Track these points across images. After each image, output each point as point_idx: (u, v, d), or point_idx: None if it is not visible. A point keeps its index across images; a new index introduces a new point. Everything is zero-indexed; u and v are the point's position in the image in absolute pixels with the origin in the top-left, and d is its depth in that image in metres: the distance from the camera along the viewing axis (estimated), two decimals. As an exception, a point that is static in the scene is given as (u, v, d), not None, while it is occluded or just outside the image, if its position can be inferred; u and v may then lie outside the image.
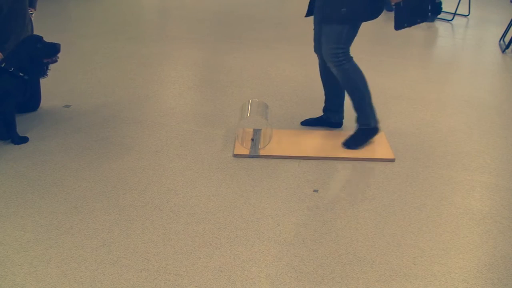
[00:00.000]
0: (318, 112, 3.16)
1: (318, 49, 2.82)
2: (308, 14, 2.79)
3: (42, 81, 3.27)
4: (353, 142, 2.81)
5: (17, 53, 2.74)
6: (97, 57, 4.30)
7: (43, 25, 4.97)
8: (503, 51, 4.86)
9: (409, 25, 2.58)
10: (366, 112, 2.76)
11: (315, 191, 2.46)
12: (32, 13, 3.13)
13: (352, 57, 2.69)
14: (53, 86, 3.59)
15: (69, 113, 3.22)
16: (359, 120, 2.81)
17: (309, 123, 3.12)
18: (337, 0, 2.52)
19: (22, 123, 3.04)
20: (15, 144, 2.81)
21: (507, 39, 5.00)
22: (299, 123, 3.14)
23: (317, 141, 2.91)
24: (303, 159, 2.73)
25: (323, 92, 3.06)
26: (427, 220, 2.26)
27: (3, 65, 2.71)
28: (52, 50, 2.80)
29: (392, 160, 2.74)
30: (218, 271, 1.92)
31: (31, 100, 3.18)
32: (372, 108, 2.77)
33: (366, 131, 2.81)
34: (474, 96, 3.70)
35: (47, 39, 2.82)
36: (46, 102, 3.32)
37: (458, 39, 5.45)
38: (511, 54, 4.82)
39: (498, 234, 2.18)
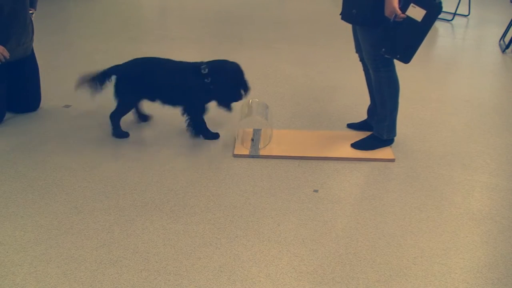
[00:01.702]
0: (318, 111, 3.16)
1: (358, 49, 2.77)
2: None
3: (42, 81, 3.28)
4: (361, 145, 2.81)
5: (231, 80, 2.80)
6: (97, 57, 4.29)
7: (43, 25, 4.97)
8: (503, 51, 4.86)
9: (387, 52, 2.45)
10: (383, 123, 2.75)
11: (315, 191, 2.46)
12: (32, 13, 3.13)
13: (393, 67, 2.62)
14: (53, 86, 3.59)
15: (69, 113, 3.22)
16: (374, 126, 2.82)
17: (354, 126, 3.08)
18: (367, 2, 2.41)
19: (22, 123, 3.05)
20: (206, 139, 2.91)
21: (507, 39, 5.00)
22: (345, 125, 3.12)
23: (317, 141, 2.90)
24: (303, 159, 2.73)
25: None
26: (427, 220, 2.26)
27: (206, 71, 2.74)
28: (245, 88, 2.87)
29: (392, 160, 2.74)
30: (218, 271, 1.92)
31: (33, 101, 3.19)
32: (391, 123, 2.75)
33: (376, 140, 2.81)
34: (474, 96, 3.70)
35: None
36: (46, 102, 3.31)
37: (458, 39, 5.45)
38: (511, 54, 4.82)
39: (498, 234, 2.18)
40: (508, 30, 5.13)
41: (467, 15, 6.20)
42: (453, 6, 5.93)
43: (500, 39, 5.19)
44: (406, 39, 2.39)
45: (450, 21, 5.94)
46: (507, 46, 4.89)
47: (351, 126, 3.08)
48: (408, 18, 2.31)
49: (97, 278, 1.87)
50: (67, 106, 3.32)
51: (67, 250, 2.02)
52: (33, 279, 1.86)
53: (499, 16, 6.33)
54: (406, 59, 2.45)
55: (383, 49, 2.44)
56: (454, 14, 5.97)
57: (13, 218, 2.20)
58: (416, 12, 2.31)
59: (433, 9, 2.31)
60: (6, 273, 1.89)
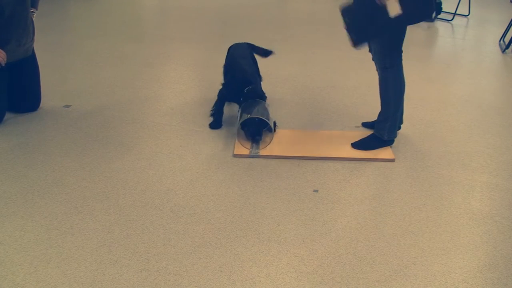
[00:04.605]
0: (318, 111, 3.15)
1: (371, 49, 2.75)
2: None
3: (42, 81, 3.28)
4: (361, 145, 2.81)
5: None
6: (97, 57, 4.30)
7: (44, 25, 4.97)
8: (503, 51, 4.86)
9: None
10: (385, 123, 2.75)
11: (315, 191, 2.46)
12: (33, 13, 3.13)
13: (400, 67, 2.62)
14: (53, 86, 3.59)
15: (69, 113, 3.22)
16: (376, 126, 2.82)
17: (368, 126, 3.07)
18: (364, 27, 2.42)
19: (22, 123, 3.05)
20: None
21: (507, 39, 5.00)
22: (359, 124, 3.12)
23: (317, 141, 2.90)
24: (303, 159, 2.73)
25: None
26: (427, 220, 2.26)
27: None
28: None
29: (392, 160, 2.74)
30: (218, 271, 1.92)
31: (33, 101, 3.19)
32: (393, 124, 2.75)
33: (377, 139, 2.81)
34: (474, 96, 3.70)
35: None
36: (46, 102, 3.32)
37: (458, 39, 5.45)
38: (511, 54, 4.82)
39: (498, 234, 2.18)
40: (508, 30, 5.13)
41: (467, 15, 6.20)
42: (453, 6, 5.94)
43: (500, 39, 5.19)
44: (369, 23, 2.35)
45: (450, 21, 5.94)
46: (507, 46, 4.89)
47: (366, 125, 3.08)
48: (383, 7, 2.28)
49: (97, 278, 1.87)
50: (67, 106, 3.32)
51: (67, 250, 2.02)
52: (33, 279, 1.86)
53: (499, 16, 6.33)
54: (357, 41, 2.41)
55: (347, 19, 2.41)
56: (454, 14, 5.98)
57: (13, 218, 2.20)
58: (394, 7, 2.29)
59: (410, 14, 2.29)
60: (6, 273, 1.89)
